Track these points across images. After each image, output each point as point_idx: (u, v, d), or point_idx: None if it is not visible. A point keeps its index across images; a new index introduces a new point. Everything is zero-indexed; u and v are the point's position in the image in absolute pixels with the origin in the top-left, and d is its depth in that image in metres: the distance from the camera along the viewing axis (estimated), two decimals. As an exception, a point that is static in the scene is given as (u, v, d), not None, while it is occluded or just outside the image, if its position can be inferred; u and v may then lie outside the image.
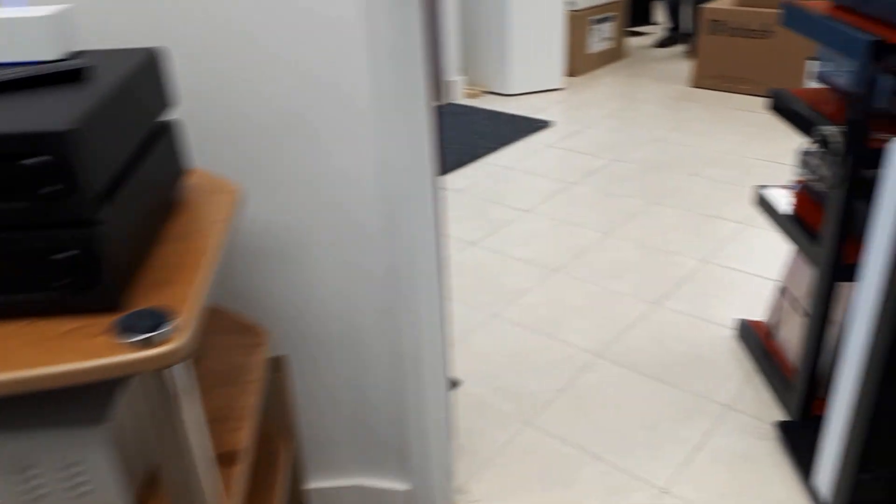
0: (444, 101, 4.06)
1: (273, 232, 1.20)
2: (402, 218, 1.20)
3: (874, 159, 1.37)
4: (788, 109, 1.64)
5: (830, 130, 1.44)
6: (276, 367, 1.25)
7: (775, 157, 3.13)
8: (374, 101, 1.11)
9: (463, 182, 3.08)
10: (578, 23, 4.30)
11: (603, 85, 4.28)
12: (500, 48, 4.08)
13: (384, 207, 1.20)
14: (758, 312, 2.06)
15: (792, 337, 1.81)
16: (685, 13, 4.78)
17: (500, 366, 1.93)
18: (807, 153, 1.55)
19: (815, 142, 1.50)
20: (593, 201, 2.86)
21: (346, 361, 1.33)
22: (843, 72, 1.51)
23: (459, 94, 4.12)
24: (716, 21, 3.93)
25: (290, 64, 1.09)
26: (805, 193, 1.70)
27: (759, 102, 3.79)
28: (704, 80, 4.05)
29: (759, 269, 2.30)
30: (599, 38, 4.49)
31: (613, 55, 4.65)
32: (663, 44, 4.96)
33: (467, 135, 3.60)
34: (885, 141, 1.40)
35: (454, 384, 1.82)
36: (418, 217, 1.23)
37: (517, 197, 2.92)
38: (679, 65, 4.54)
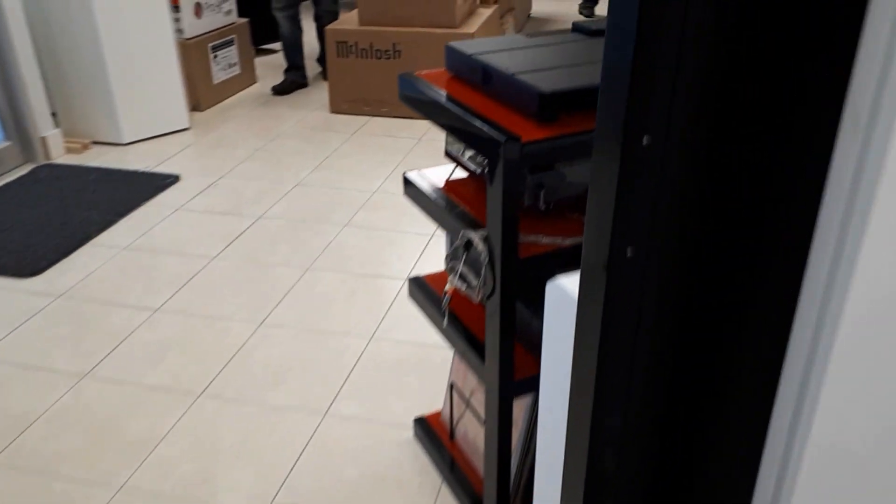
0: (37, 164, 3.22)
1: None
2: None
3: (528, 269, 1.17)
4: (425, 198, 1.38)
5: (473, 235, 1.20)
6: None
7: (425, 189, 3.00)
8: None
9: (65, 280, 2.39)
10: (195, 51, 3.75)
11: (236, 118, 3.80)
12: (101, 89, 3.36)
13: None
14: (438, 398, 1.83)
15: (470, 433, 1.60)
16: (311, 37, 4.50)
17: (132, 578, 1.41)
18: (453, 256, 1.30)
19: (458, 244, 1.25)
20: (241, 279, 2.41)
21: None
22: (476, 159, 1.28)
23: (58, 151, 3.31)
24: (342, 43, 3.71)
25: None
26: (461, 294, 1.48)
27: (401, 125, 3.67)
28: (342, 104, 3.82)
29: (435, 339, 2.09)
30: (224, 65, 4.00)
31: (244, 81, 4.20)
32: (283, 90, 4.13)
33: (71, 207, 2.86)
34: (537, 244, 1.20)
35: None
36: None
37: (142, 290, 2.34)
38: (317, 87, 4.26)
